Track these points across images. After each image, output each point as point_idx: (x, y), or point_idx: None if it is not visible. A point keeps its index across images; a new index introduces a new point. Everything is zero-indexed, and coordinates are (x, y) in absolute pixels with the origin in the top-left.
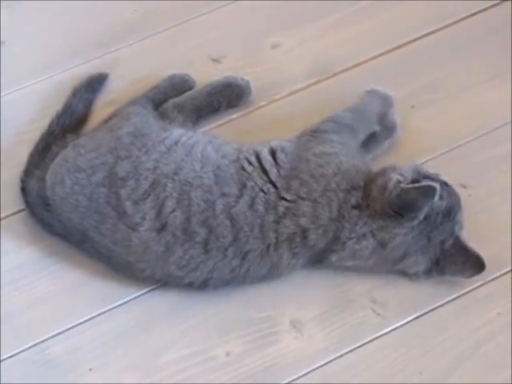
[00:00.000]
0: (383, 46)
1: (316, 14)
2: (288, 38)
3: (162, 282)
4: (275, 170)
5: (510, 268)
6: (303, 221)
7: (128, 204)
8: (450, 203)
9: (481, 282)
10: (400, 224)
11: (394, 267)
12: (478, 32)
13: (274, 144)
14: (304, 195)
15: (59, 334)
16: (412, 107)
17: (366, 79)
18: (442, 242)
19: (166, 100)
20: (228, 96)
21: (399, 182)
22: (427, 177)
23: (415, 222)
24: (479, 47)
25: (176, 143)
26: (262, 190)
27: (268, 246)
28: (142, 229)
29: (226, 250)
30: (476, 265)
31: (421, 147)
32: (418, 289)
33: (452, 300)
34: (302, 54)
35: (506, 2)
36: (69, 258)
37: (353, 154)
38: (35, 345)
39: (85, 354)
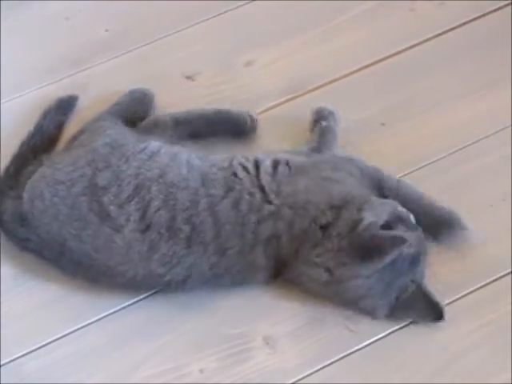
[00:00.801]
0: (357, 63)
1: (289, 32)
2: (262, 55)
3: (142, 283)
4: (269, 178)
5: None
6: (281, 225)
7: (112, 208)
8: (417, 250)
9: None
10: (364, 266)
11: (350, 306)
12: (451, 49)
13: (279, 156)
14: (290, 203)
15: (32, 351)
16: (383, 124)
17: (340, 96)
18: (402, 290)
19: (128, 115)
20: (230, 129)
21: (371, 224)
22: (401, 220)
23: (380, 267)
24: (452, 64)
25: (158, 152)
26: (250, 193)
27: (245, 245)
28: (126, 230)
29: (208, 245)
30: (435, 314)
31: (397, 161)
32: None
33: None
34: (276, 71)
35: (485, 18)
36: (42, 275)
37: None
38: (8, 363)
39: (57, 371)
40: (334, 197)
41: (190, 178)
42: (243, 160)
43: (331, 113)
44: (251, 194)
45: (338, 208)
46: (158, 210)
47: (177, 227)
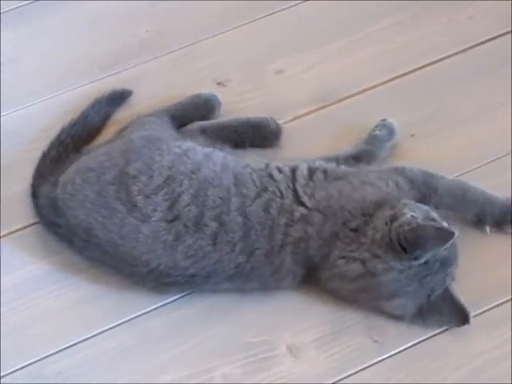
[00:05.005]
0: (387, 73)
1: (320, 41)
2: (292, 63)
3: (165, 275)
4: (303, 181)
5: None
6: (310, 229)
7: (139, 198)
8: (450, 253)
9: (485, 308)
10: (399, 259)
11: (382, 305)
12: (482, 62)
13: (317, 164)
14: (322, 208)
15: (60, 351)
16: (412, 135)
17: (370, 106)
18: (432, 291)
19: (187, 118)
20: (255, 137)
21: (414, 217)
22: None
23: (415, 262)
24: (482, 77)
25: (193, 149)
26: (281, 195)
27: (273, 247)
28: (153, 219)
29: (235, 245)
30: (461, 318)
31: None
32: None
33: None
34: (306, 79)
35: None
36: (73, 275)
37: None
38: (36, 361)
39: (84, 372)
40: (367, 202)
41: (224, 177)
42: (280, 164)
43: (389, 125)
44: (283, 197)
45: (369, 213)
46: (188, 205)
47: (204, 223)
